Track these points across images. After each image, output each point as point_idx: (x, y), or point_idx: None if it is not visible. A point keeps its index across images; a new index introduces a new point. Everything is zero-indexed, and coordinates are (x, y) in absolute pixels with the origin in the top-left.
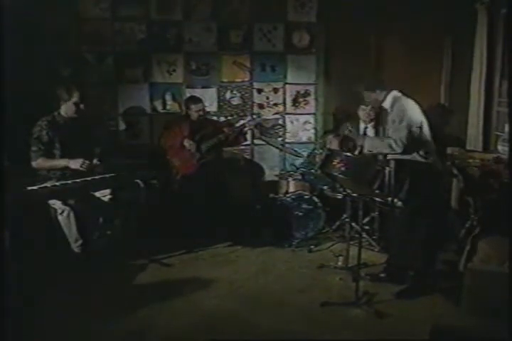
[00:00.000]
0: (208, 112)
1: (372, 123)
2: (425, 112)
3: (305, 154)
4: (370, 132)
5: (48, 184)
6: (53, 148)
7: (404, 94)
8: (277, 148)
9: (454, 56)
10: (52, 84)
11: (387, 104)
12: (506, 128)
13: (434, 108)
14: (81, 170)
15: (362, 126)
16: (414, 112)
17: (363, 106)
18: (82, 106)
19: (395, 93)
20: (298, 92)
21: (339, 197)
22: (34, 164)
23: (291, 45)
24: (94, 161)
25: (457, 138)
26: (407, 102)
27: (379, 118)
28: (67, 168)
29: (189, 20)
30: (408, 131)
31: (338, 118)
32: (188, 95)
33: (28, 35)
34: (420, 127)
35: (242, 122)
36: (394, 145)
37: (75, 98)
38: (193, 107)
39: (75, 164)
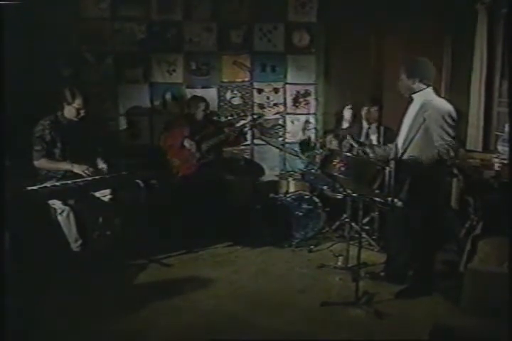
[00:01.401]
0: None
1: (376, 124)
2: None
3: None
4: (373, 133)
5: (48, 184)
6: (54, 148)
7: (436, 92)
8: (277, 148)
9: (454, 56)
10: (52, 84)
11: (418, 98)
12: (506, 128)
13: None
14: (84, 175)
15: (365, 126)
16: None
17: (366, 107)
18: (83, 111)
19: (429, 92)
20: (298, 92)
21: (339, 197)
22: (36, 164)
23: (291, 45)
24: (101, 166)
25: (457, 138)
26: (443, 102)
27: (381, 118)
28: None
29: (189, 20)
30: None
31: (340, 118)
32: (188, 95)
33: (28, 35)
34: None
35: (242, 122)
36: (444, 151)
37: (76, 103)
38: (200, 106)
39: (79, 169)
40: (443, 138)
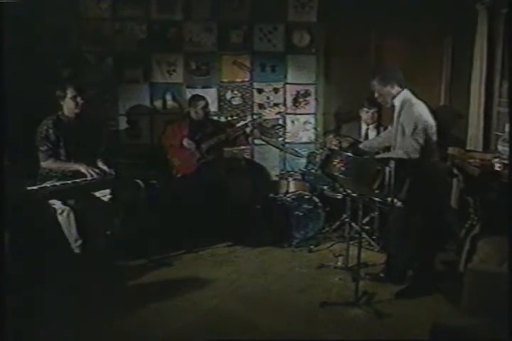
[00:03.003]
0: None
1: (374, 124)
2: (434, 113)
3: (305, 154)
4: (372, 133)
5: (48, 184)
6: (59, 148)
7: (413, 93)
8: (278, 148)
9: (454, 56)
10: (52, 85)
11: (397, 101)
12: (506, 128)
13: (440, 109)
14: (88, 176)
15: (363, 127)
16: (428, 115)
17: (365, 109)
18: (79, 99)
19: (406, 93)
20: (298, 92)
21: (339, 197)
22: (44, 164)
23: (291, 45)
24: (102, 167)
25: (457, 138)
26: (420, 105)
27: (380, 119)
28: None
29: (189, 20)
30: (425, 135)
31: (339, 119)
32: (188, 95)
33: (28, 35)
34: (432, 130)
35: (243, 122)
36: (411, 151)
37: (69, 93)
38: (200, 104)
39: (86, 170)
40: (410, 142)
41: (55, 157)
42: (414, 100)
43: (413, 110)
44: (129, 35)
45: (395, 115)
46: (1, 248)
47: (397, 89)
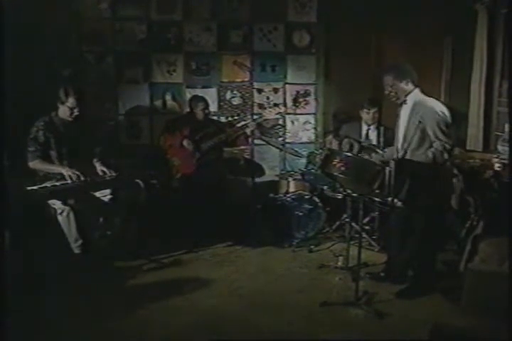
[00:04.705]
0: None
1: (375, 125)
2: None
3: (305, 154)
4: (373, 133)
5: (48, 184)
6: (49, 149)
7: (424, 93)
8: (278, 148)
9: (454, 56)
10: (52, 84)
11: (410, 99)
12: (506, 128)
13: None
14: (70, 179)
15: (364, 127)
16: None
17: (366, 110)
18: (76, 110)
19: (418, 92)
20: (298, 92)
21: (339, 197)
22: (30, 165)
23: (291, 45)
24: (100, 168)
25: (457, 138)
26: (438, 104)
27: (381, 119)
28: None
29: (189, 20)
30: (450, 135)
31: (338, 119)
32: (188, 95)
33: (28, 35)
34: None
35: (243, 123)
36: (439, 153)
37: (69, 102)
38: (199, 105)
39: (67, 173)
40: (438, 137)
41: (41, 158)
42: (432, 99)
43: (436, 110)
44: (129, 35)
45: (407, 113)
46: (1, 248)
47: (411, 86)
